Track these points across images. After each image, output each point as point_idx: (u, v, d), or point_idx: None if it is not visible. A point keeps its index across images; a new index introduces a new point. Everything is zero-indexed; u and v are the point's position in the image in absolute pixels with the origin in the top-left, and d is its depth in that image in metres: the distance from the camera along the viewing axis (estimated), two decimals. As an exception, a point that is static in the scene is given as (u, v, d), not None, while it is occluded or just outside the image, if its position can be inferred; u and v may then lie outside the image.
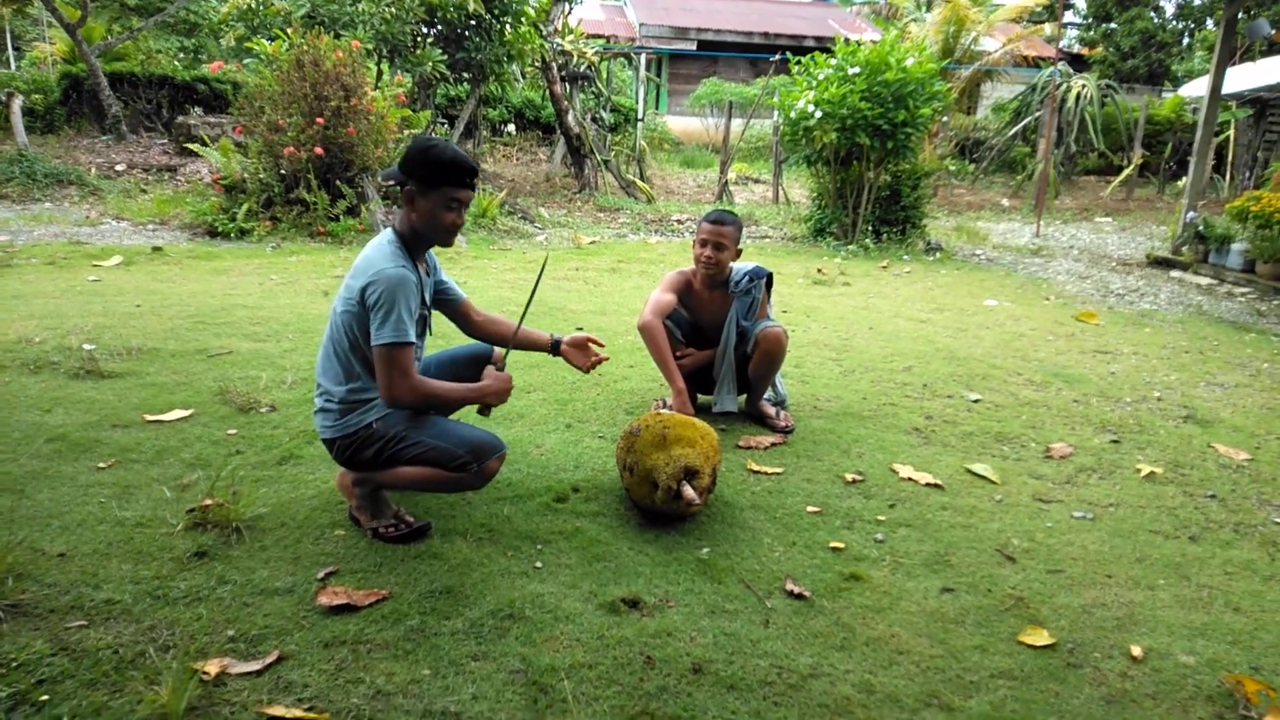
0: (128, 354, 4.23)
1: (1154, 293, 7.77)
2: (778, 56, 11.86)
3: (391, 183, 2.57)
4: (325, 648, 2.09)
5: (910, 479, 3.29)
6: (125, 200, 9.34)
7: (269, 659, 2.03)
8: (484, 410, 2.79)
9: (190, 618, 2.17)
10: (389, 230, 2.62)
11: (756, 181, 15.45)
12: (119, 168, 10.99)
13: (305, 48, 8.00)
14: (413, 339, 2.45)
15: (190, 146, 9.61)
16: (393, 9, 9.92)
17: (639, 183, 12.67)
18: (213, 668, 1.97)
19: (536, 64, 12.09)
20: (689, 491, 2.70)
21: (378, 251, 2.51)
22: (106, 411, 3.49)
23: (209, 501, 2.63)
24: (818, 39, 20.99)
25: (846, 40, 9.13)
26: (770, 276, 3.80)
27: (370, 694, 1.94)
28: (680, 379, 3.61)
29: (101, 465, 3.01)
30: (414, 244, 2.59)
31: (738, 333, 3.75)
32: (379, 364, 2.44)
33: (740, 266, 3.77)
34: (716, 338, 3.81)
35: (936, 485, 3.24)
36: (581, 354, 3.03)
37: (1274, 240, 7.99)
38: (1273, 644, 2.34)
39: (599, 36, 18.72)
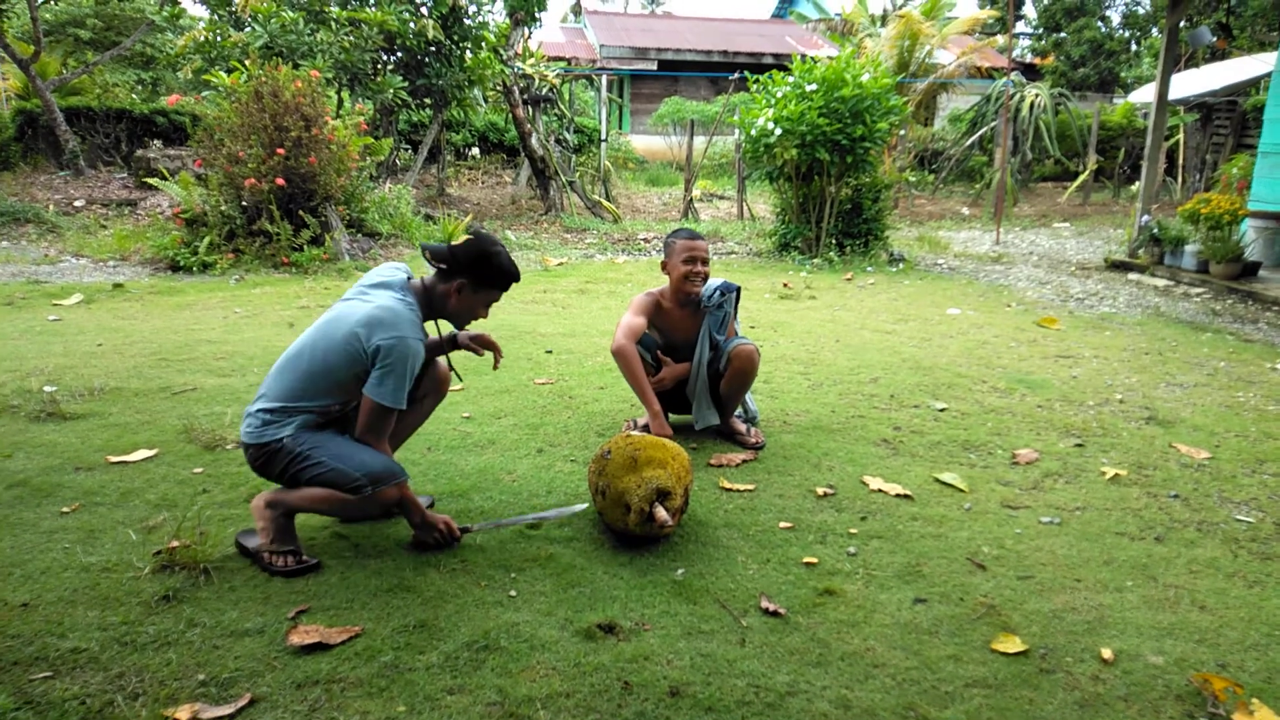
0: (90, 394, 4.16)
1: (1112, 296, 7.92)
2: (736, 75, 11.99)
3: (435, 261, 2.70)
4: (298, 688, 2.06)
5: (880, 490, 3.31)
6: (84, 237, 9.21)
7: (241, 702, 1.99)
8: (417, 539, 2.77)
9: (159, 663, 2.13)
10: (412, 288, 2.70)
11: (721, 198, 15.56)
12: (77, 203, 10.84)
13: (264, 79, 7.96)
14: (404, 406, 2.62)
15: (150, 180, 9.49)
16: (351, 38, 9.91)
17: (605, 203, 12.71)
18: (183, 714, 1.94)
19: (498, 88, 12.12)
20: (661, 513, 2.70)
21: (405, 312, 2.60)
22: (69, 454, 3.43)
23: (176, 543, 2.59)
24: (776, 56, 21.26)
25: (803, 57, 9.25)
26: (738, 290, 3.84)
27: (345, 734, 1.91)
28: (656, 402, 3.63)
29: (65, 510, 2.95)
30: (430, 315, 2.75)
31: (710, 348, 3.79)
32: (367, 413, 2.59)
33: (709, 282, 3.80)
34: (689, 356, 3.83)
35: (906, 496, 3.27)
36: (477, 346, 2.97)
37: (1225, 241, 8.19)
38: (1238, 641, 2.39)
39: (560, 59, 18.82)
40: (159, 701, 1.98)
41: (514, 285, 2.82)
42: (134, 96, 15.41)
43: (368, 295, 2.67)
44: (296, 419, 2.60)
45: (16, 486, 3.11)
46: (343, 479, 2.55)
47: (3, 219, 9.67)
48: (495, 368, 3.04)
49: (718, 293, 3.78)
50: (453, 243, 2.73)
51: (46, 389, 4.14)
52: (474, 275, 2.68)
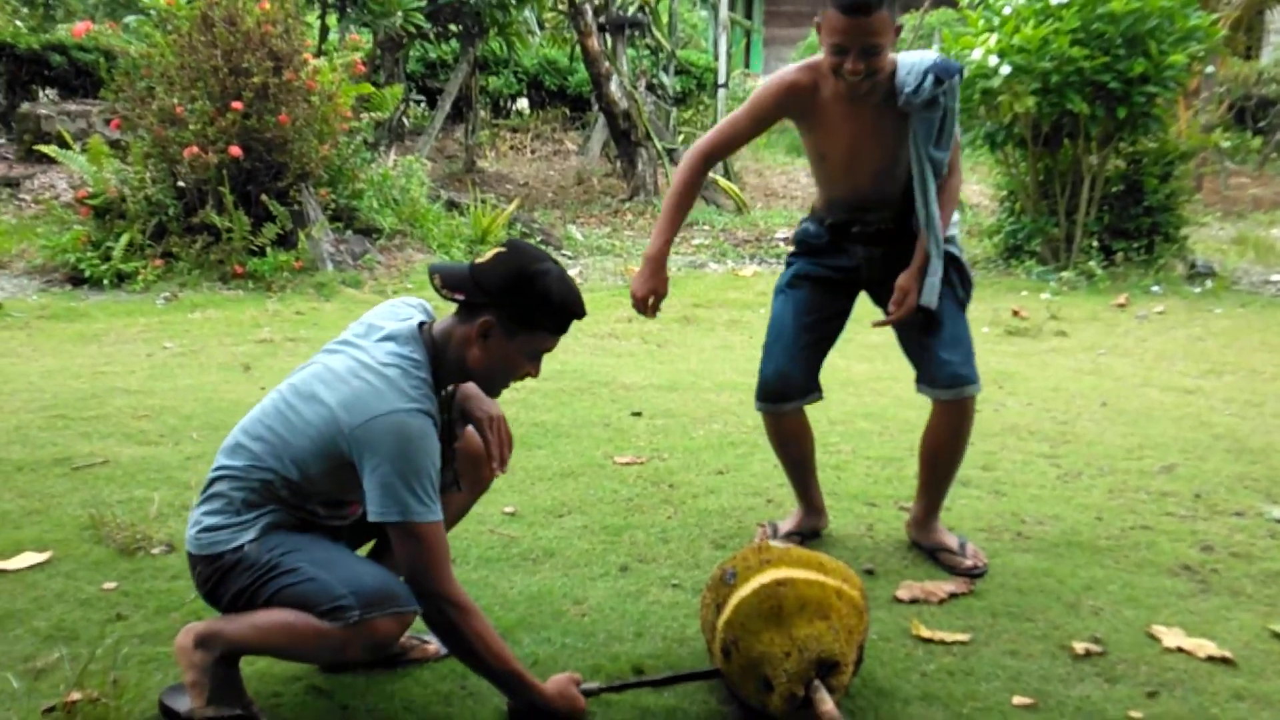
0: (-48, 468, 4.38)
1: None
2: (937, -19, 12.03)
3: (449, 290, 2.63)
4: None
5: (1180, 649, 3.23)
6: (-55, 233, 9.69)
7: None
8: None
9: None
10: (415, 336, 2.66)
11: (909, 175, 15.51)
12: (-66, 184, 11.41)
13: (214, 0, 8.29)
14: (439, 514, 2.54)
15: (42, 149, 9.85)
16: (344, -66, 10.31)
17: (723, 181, 12.81)
18: None
19: (560, 7, 12.42)
20: (827, 706, 2.58)
21: (401, 377, 2.55)
22: (-79, 558, 3.61)
23: (76, 695, 2.67)
24: (999, -49, 21.22)
25: (1046, -46, 9.24)
26: (962, 71, 3.45)
27: None
28: (661, 241, 3.53)
29: (-85, 642, 3.10)
30: (448, 376, 2.71)
31: (933, 173, 3.43)
32: (406, 543, 2.53)
33: (907, 59, 3.39)
34: (863, 170, 3.51)
35: (1224, 659, 3.18)
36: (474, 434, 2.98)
37: None
38: None
39: (656, -40, 19.21)
40: None
41: (577, 321, 2.75)
42: (17, 24, 16.21)
43: (358, 351, 2.62)
44: (261, 511, 2.61)
45: None
46: (318, 594, 2.51)
47: None
48: (488, 475, 2.98)
49: (930, 78, 3.30)
50: (477, 260, 2.66)
51: (-109, 459, 4.39)
52: (509, 310, 2.61)
